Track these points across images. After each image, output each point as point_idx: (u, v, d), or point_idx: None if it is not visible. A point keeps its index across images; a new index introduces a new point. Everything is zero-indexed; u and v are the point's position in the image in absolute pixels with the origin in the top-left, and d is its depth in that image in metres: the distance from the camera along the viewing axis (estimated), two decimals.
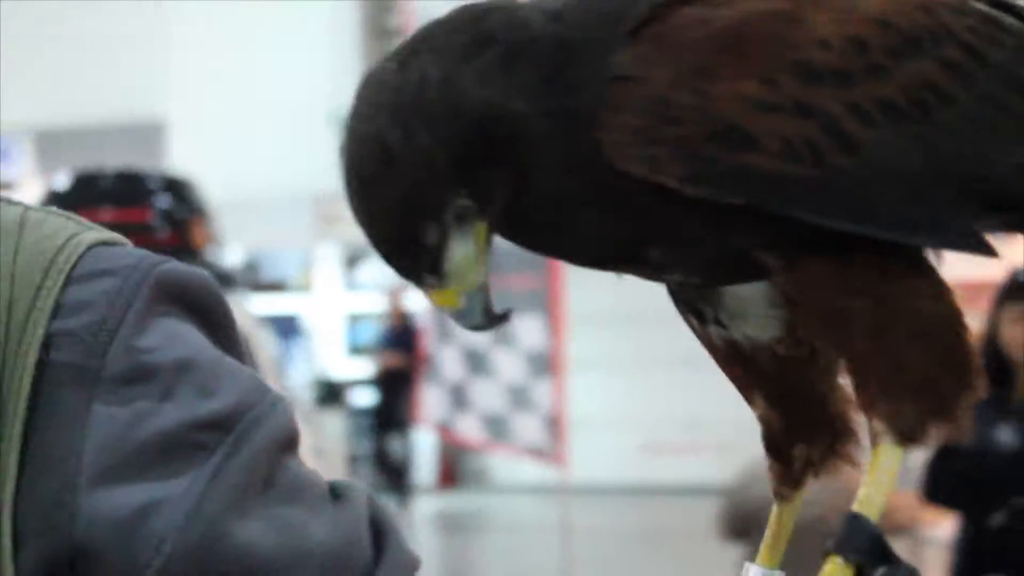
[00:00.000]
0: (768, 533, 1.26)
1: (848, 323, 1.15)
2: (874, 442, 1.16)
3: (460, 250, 1.16)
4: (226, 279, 3.55)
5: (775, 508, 1.27)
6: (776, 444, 1.27)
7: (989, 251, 1.19)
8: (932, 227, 1.16)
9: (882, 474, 1.16)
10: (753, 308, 1.23)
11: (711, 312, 1.25)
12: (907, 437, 1.16)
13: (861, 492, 1.15)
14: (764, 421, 1.27)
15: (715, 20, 1.13)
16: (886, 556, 1.13)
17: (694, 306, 1.25)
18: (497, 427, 8.02)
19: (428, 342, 8.41)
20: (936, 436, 1.16)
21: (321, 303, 16.17)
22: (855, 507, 1.14)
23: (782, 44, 1.13)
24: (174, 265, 1.02)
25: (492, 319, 1.19)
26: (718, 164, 1.11)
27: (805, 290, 1.16)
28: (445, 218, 1.15)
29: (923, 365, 1.16)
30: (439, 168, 1.14)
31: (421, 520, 13.65)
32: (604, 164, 1.13)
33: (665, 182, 1.11)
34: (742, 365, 1.26)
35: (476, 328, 1.20)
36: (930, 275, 1.18)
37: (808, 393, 1.26)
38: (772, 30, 1.13)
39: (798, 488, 1.26)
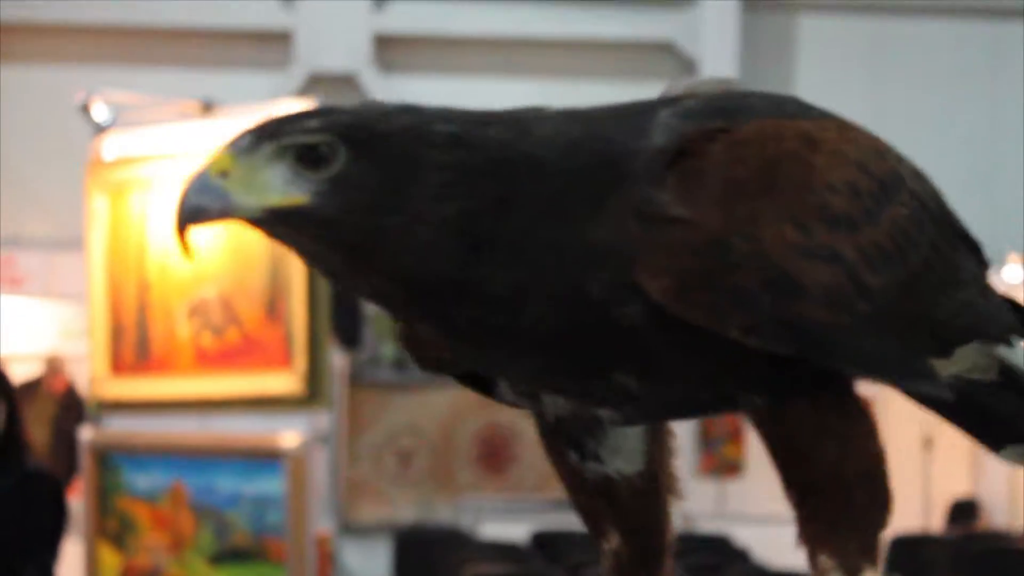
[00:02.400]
0: None
1: (813, 460, 1.25)
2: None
3: (278, 177, 1.17)
4: None
5: None
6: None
7: (947, 394, 1.29)
8: (913, 371, 1.26)
9: None
10: (629, 443, 1.34)
11: (593, 447, 1.35)
12: (852, 573, 1.27)
13: None
14: (615, 556, 1.38)
15: (745, 160, 1.17)
16: None
17: (578, 441, 1.35)
18: None
19: None
20: (871, 570, 1.27)
21: None
22: None
23: (804, 188, 1.18)
24: None
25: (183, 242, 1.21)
26: (773, 314, 1.16)
27: (782, 429, 1.26)
28: (332, 139, 1.17)
29: (866, 504, 1.27)
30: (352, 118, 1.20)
31: None
32: (619, 295, 1.17)
33: (722, 331, 1.16)
34: (606, 499, 1.36)
35: (180, 221, 1.20)
36: (868, 415, 1.27)
37: (653, 526, 1.39)
38: (794, 173, 1.18)
39: None
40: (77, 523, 5.49)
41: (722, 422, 13.15)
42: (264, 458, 5.65)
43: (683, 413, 1.33)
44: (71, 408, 10.52)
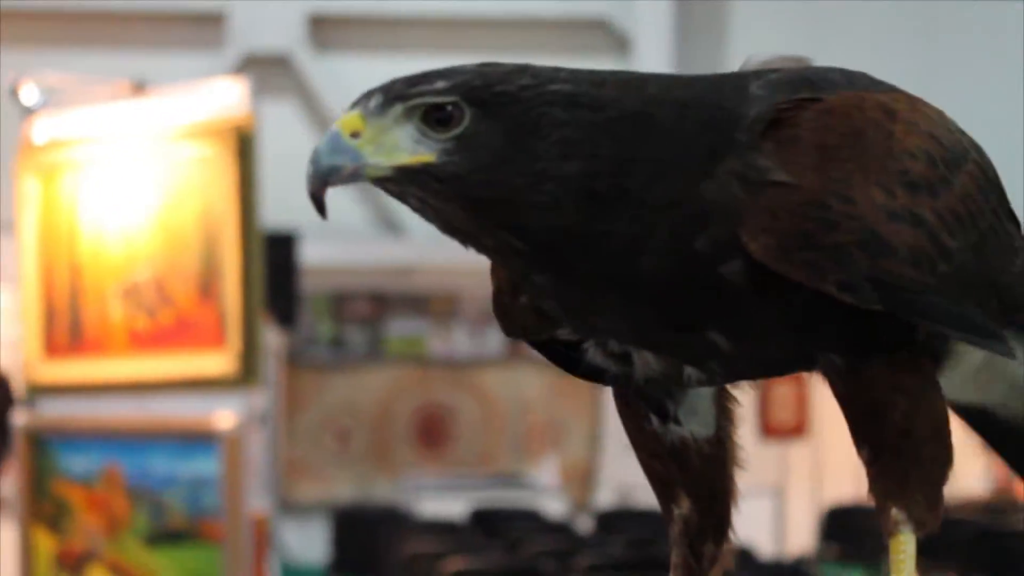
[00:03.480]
0: None
1: (886, 417, 1.32)
2: (892, 530, 1.34)
3: (407, 137, 1.24)
4: None
5: None
6: (690, 542, 1.44)
7: (1011, 355, 1.37)
8: (990, 332, 1.32)
9: (907, 559, 1.34)
10: (703, 406, 1.41)
11: (673, 409, 1.40)
12: (921, 524, 1.35)
13: None
14: (684, 520, 1.43)
15: (834, 123, 1.26)
16: None
17: (660, 404, 1.39)
18: None
19: None
20: (936, 523, 1.35)
21: None
22: None
23: (887, 154, 1.27)
24: None
25: (318, 202, 1.28)
26: (867, 271, 1.24)
27: (858, 388, 1.32)
28: (449, 110, 1.23)
29: (933, 460, 1.34)
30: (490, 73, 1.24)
31: None
32: (722, 252, 1.24)
33: (819, 286, 1.24)
34: (678, 464, 1.41)
35: (313, 182, 1.26)
36: (935, 377, 1.35)
37: (720, 493, 1.44)
38: (877, 140, 1.26)
39: None
40: (12, 507, 5.48)
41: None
42: (199, 439, 5.66)
43: (763, 372, 1.39)
44: (3, 392, 10.47)
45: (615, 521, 10.69)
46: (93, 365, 5.81)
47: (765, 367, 1.38)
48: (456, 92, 1.23)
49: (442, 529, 9.63)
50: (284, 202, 12.22)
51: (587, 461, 14.07)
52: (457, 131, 1.23)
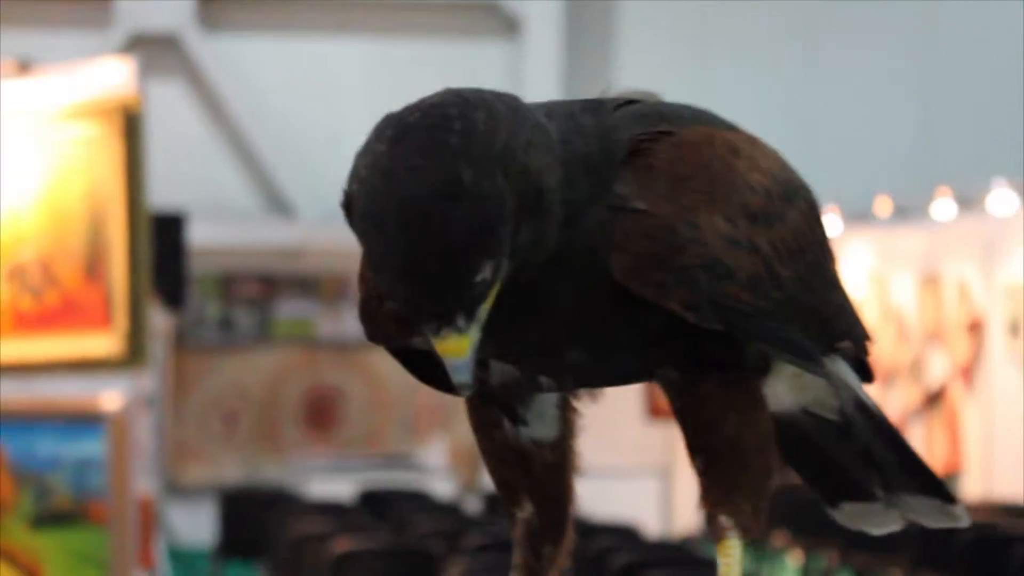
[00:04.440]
0: None
1: (718, 430, 1.43)
2: (720, 535, 1.45)
3: (477, 327, 1.30)
4: None
5: None
6: (531, 543, 1.53)
7: (827, 377, 1.52)
8: (812, 356, 1.45)
9: (733, 561, 1.44)
10: (549, 409, 1.51)
11: (523, 413, 1.50)
12: (746, 530, 1.44)
13: None
14: (526, 523, 1.52)
15: (686, 157, 1.38)
16: None
17: (512, 408, 1.50)
18: None
19: None
20: (760, 529, 1.45)
21: None
22: None
23: (730, 187, 1.39)
24: None
25: (475, 382, 1.33)
26: (708, 293, 1.35)
27: (693, 402, 1.43)
28: (501, 261, 1.28)
29: (759, 471, 1.45)
30: (508, 211, 1.27)
31: None
32: (588, 271, 1.35)
33: (666, 305, 1.35)
34: (523, 469, 1.51)
35: (464, 387, 1.32)
36: (763, 396, 1.46)
37: (561, 497, 1.53)
38: (722, 174, 1.39)
39: None
40: None
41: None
42: (85, 421, 5.63)
43: (609, 383, 1.50)
44: None
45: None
46: None
47: (612, 379, 1.49)
48: (497, 271, 1.30)
49: (330, 510, 9.64)
50: (172, 183, 12.18)
51: (475, 443, 14.14)
52: (495, 291, 1.32)
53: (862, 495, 1.70)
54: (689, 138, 1.41)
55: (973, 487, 12.35)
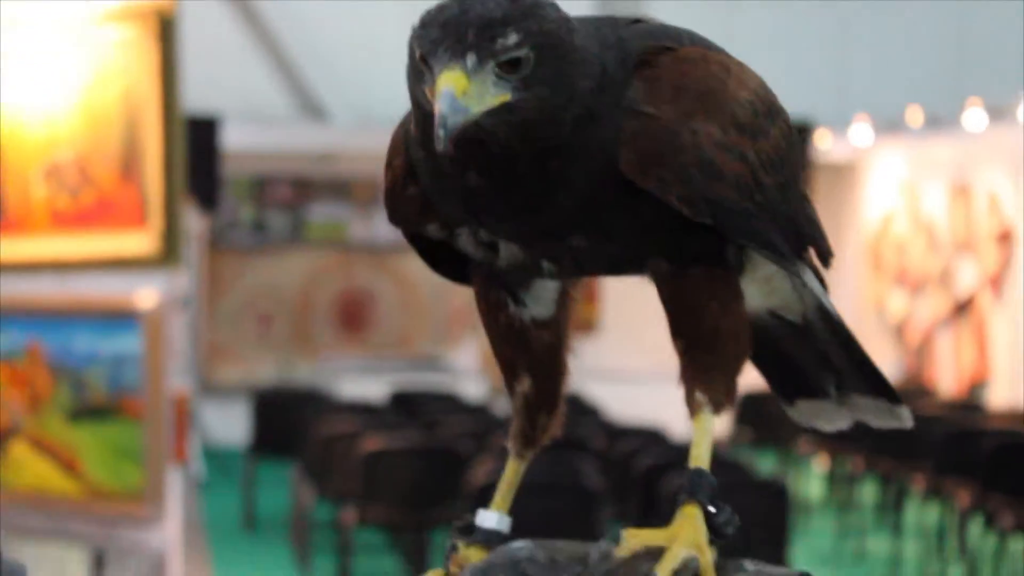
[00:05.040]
0: (503, 484, 1.70)
1: (699, 316, 1.60)
2: (695, 410, 1.62)
3: (491, 84, 1.48)
4: None
5: (513, 464, 1.71)
6: (528, 414, 1.69)
7: (799, 275, 1.70)
8: (788, 255, 1.63)
9: (706, 434, 1.61)
10: (547, 293, 1.67)
11: (522, 295, 1.66)
12: (719, 405, 1.61)
13: (694, 451, 1.60)
14: (523, 396, 1.69)
15: (687, 72, 1.56)
16: (718, 497, 1.59)
17: (513, 291, 1.66)
18: None
19: None
20: (730, 405, 1.62)
21: None
22: (692, 463, 1.60)
23: (723, 99, 1.57)
24: None
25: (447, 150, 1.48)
26: (702, 189, 1.53)
27: (679, 290, 1.60)
28: (527, 46, 1.47)
29: (732, 355, 1.62)
30: (549, 28, 1.50)
31: None
32: (598, 162, 1.51)
33: (666, 198, 1.52)
34: (523, 347, 1.68)
35: (446, 126, 1.46)
36: (740, 289, 1.64)
37: (555, 373, 1.69)
38: (716, 88, 1.57)
39: (534, 448, 1.71)
40: None
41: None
42: (121, 318, 5.73)
43: (603, 271, 1.67)
44: None
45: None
46: (15, 244, 5.86)
47: (606, 266, 1.65)
48: (527, 43, 1.49)
49: (361, 410, 9.76)
50: (206, 87, 12.22)
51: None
52: (525, 72, 1.49)
53: (817, 393, 1.86)
54: (688, 55, 1.59)
55: (1000, 395, 12.42)
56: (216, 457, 12.71)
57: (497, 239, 1.62)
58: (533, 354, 1.70)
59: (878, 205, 15.17)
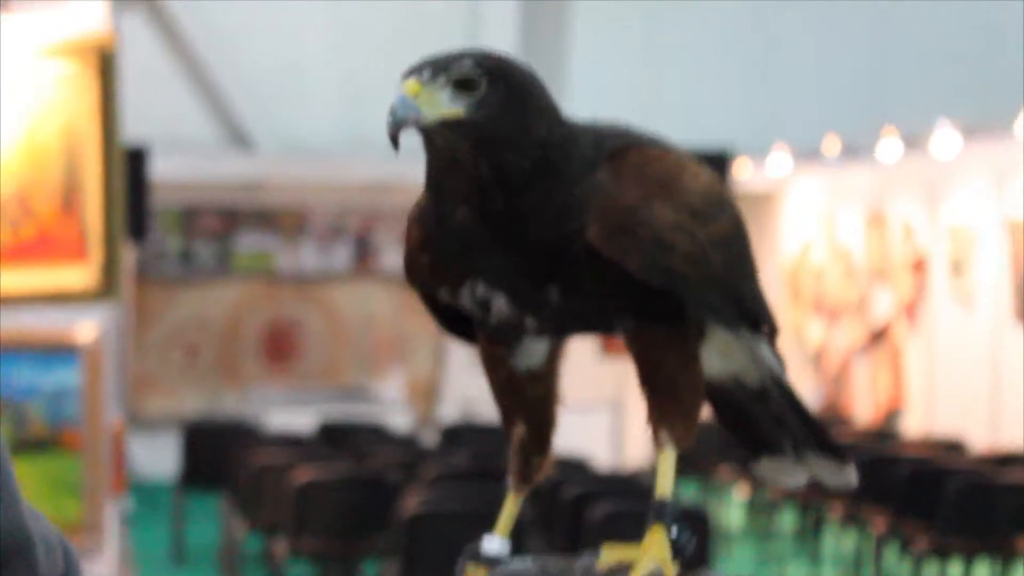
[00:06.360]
0: (505, 514, 1.94)
1: (660, 369, 1.88)
2: (660, 446, 1.88)
3: (445, 97, 1.75)
4: None
5: (513, 498, 1.95)
6: (525, 455, 1.94)
7: (749, 342, 1.97)
8: (734, 321, 1.92)
9: (669, 468, 1.86)
10: (539, 350, 1.92)
11: (517, 349, 1.91)
12: (681, 442, 1.87)
13: (660, 481, 1.86)
14: (519, 438, 1.94)
15: (650, 165, 1.86)
16: (683, 521, 1.85)
17: (510, 344, 1.91)
18: None
19: None
20: (690, 441, 1.87)
21: None
22: (658, 492, 1.86)
23: (679, 188, 1.87)
24: None
25: (395, 141, 1.75)
26: (656, 259, 1.82)
27: (642, 346, 1.87)
28: (483, 74, 1.75)
29: (690, 401, 1.89)
30: (518, 92, 1.78)
31: None
32: (569, 234, 1.80)
33: (627, 266, 1.80)
34: (519, 396, 1.94)
35: (396, 121, 1.73)
36: (697, 346, 1.92)
37: (547, 418, 1.96)
38: (672, 180, 1.87)
39: (530, 484, 1.94)
40: None
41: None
42: (60, 351, 5.79)
43: (579, 329, 1.92)
44: None
45: (459, 434, 10.95)
46: None
47: (581, 324, 1.91)
48: (479, 68, 1.77)
49: (291, 441, 9.81)
50: (134, 117, 12.23)
51: (431, 376, 14.30)
52: (479, 95, 1.77)
53: (777, 451, 2.12)
54: (652, 152, 1.90)
55: (914, 422, 12.64)
56: (143, 490, 12.69)
57: (491, 290, 1.87)
58: (527, 403, 1.95)
59: (796, 234, 15.40)
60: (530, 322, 1.88)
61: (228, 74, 13.81)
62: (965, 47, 13.30)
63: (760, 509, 11.63)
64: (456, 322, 2.00)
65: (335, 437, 10.30)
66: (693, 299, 1.86)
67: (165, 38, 13.69)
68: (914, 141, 11.72)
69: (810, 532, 10.65)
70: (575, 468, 8.60)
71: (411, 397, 13.65)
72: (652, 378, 1.89)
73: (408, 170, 13.41)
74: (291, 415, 11.95)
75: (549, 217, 1.81)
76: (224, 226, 14.22)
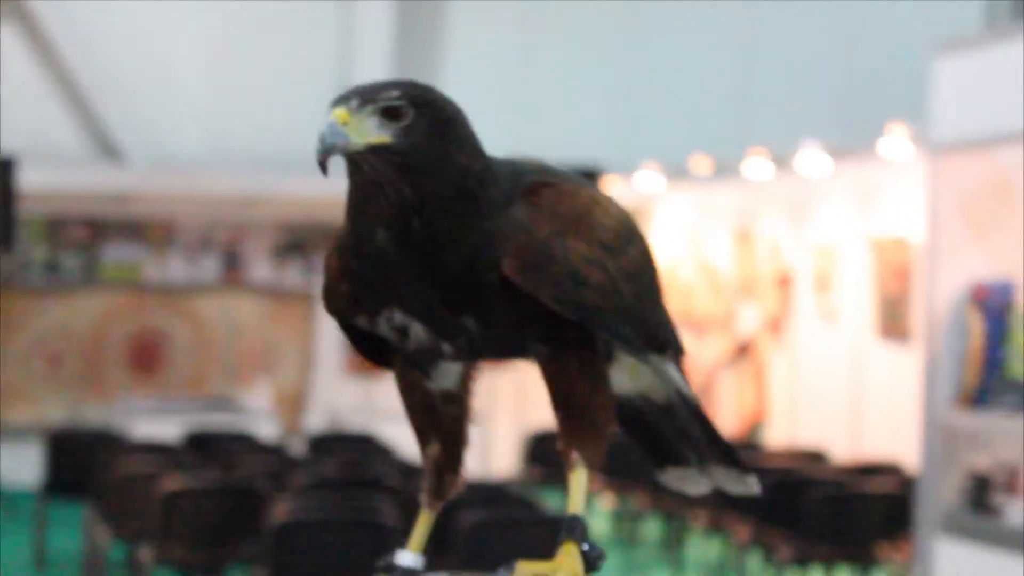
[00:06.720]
0: (418, 530, 2.05)
1: (574, 391, 1.98)
2: (572, 466, 1.99)
3: (373, 125, 1.83)
4: None
5: (426, 513, 2.07)
6: (438, 473, 2.04)
7: (649, 363, 2.09)
8: (639, 348, 2.02)
9: (581, 487, 1.98)
10: (452, 373, 2.02)
11: (433, 373, 2.01)
12: (591, 463, 1.98)
13: (572, 499, 1.98)
14: (432, 457, 2.05)
15: (563, 201, 1.95)
16: (590, 540, 1.97)
17: (424, 369, 2.01)
18: None
19: None
20: (600, 462, 1.99)
21: None
22: (571, 509, 1.98)
23: (590, 224, 1.95)
24: None
25: (323, 166, 1.84)
26: (569, 293, 1.90)
27: (556, 371, 1.97)
28: (408, 104, 1.84)
29: (592, 423, 1.99)
30: (441, 118, 1.89)
31: None
32: (485, 264, 1.89)
33: (540, 297, 1.89)
34: (433, 417, 2.04)
35: (324, 146, 1.81)
36: (606, 370, 2.02)
37: (460, 438, 2.06)
38: (584, 214, 1.95)
39: (442, 501, 2.06)
40: None
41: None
42: None
43: (494, 355, 2.01)
44: None
45: (326, 444, 10.94)
46: None
47: (496, 351, 2.00)
48: (405, 98, 1.85)
49: (157, 450, 9.75)
50: (4, 128, 12.13)
51: (298, 386, 14.29)
52: (405, 123, 1.84)
53: (682, 462, 2.26)
54: (565, 189, 1.98)
55: (778, 434, 12.83)
56: (7, 500, 12.54)
57: (408, 317, 1.94)
58: (441, 424, 2.06)
59: (665, 250, 15.57)
60: (447, 348, 1.95)
61: (97, 85, 13.71)
62: (832, 69, 13.53)
63: (625, 518, 11.74)
64: (372, 347, 2.07)
65: (202, 446, 10.26)
66: (605, 330, 1.95)
67: (35, 50, 13.57)
68: (781, 160, 11.91)
69: (674, 541, 10.77)
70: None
71: (278, 407, 13.61)
72: (565, 403, 1.98)
73: (276, 184, 13.43)
74: (157, 425, 11.88)
75: (465, 248, 1.86)
76: (91, 236, 14.10)
